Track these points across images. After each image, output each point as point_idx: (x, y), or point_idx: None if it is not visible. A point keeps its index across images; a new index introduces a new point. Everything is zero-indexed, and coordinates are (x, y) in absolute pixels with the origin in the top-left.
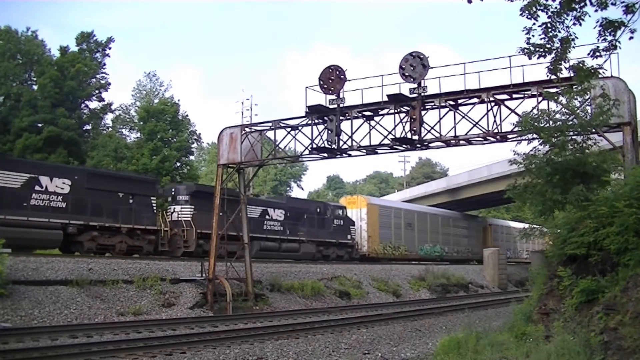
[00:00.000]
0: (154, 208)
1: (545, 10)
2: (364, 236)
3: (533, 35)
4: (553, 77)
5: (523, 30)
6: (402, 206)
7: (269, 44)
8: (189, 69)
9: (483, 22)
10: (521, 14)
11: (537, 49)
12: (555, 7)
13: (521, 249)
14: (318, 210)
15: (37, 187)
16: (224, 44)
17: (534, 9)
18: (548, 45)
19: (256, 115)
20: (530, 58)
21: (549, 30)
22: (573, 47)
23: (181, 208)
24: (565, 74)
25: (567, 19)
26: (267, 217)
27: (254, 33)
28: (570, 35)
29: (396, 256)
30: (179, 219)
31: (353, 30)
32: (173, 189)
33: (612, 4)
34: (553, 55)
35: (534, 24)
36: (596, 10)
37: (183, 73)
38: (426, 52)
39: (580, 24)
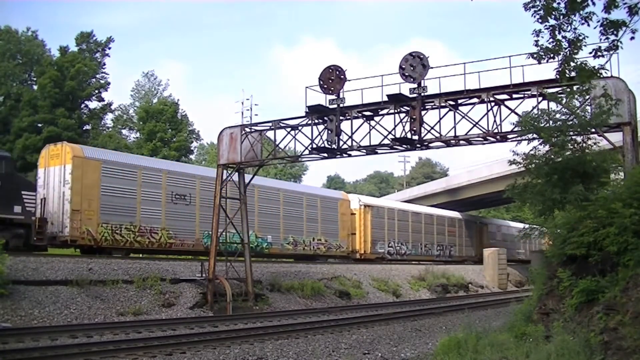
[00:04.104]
0: None
1: (553, 13)
2: (67, 210)
3: (542, 37)
4: (558, 78)
5: (532, 34)
6: (162, 166)
7: (257, 40)
8: (175, 67)
9: (477, 18)
10: (526, 10)
11: (546, 53)
12: (562, 10)
13: (429, 243)
14: None
15: None
16: (209, 41)
17: (544, 13)
18: (556, 48)
19: (256, 115)
20: (539, 62)
21: (557, 32)
22: (583, 47)
23: None
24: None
25: (575, 20)
26: None
27: (242, 30)
28: (580, 36)
29: (145, 245)
30: None
31: (341, 25)
32: None
33: (614, 6)
34: (561, 57)
35: (544, 24)
36: (604, 11)
37: (169, 71)
38: (418, 47)
39: (589, 24)
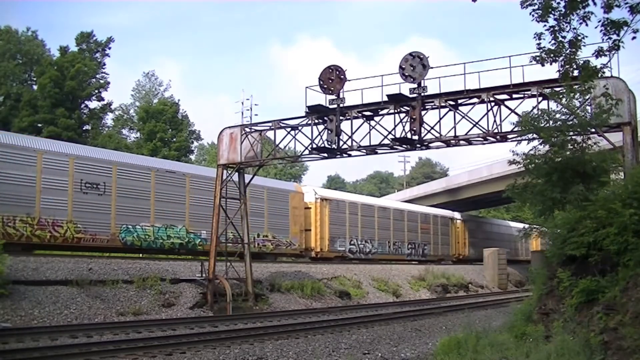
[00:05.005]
0: None
1: (552, 12)
2: None
3: (544, 39)
4: (561, 78)
5: (534, 38)
6: (69, 150)
7: (255, 39)
8: (174, 67)
9: (477, 17)
10: (522, 7)
11: (549, 55)
12: (561, 10)
13: (398, 241)
14: None
15: None
16: (208, 41)
17: (542, 12)
18: (558, 49)
19: (256, 115)
20: (543, 65)
21: (557, 33)
22: (583, 46)
23: None
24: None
25: (573, 20)
26: None
27: (241, 29)
28: (579, 36)
29: (47, 240)
30: None
31: (337, 24)
32: None
33: (616, 5)
34: (563, 57)
35: (544, 26)
36: (604, 10)
37: (169, 70)
38: (417, 46)
39: (587, 24)
